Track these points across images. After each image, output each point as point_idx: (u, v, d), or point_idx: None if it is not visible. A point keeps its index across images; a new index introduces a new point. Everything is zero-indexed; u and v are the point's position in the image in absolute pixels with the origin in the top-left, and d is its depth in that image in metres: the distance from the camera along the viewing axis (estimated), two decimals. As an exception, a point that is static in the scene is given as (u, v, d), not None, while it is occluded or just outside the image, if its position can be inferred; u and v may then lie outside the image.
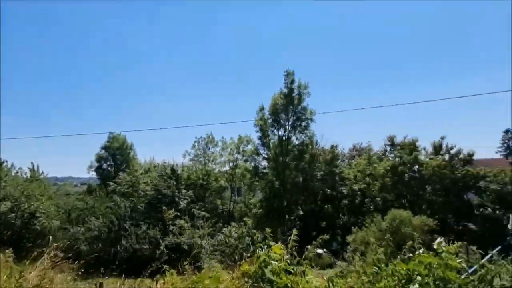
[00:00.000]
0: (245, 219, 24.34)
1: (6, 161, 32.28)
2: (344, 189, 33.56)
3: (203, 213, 25.27)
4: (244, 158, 35.23)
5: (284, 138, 33.01)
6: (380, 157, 37.17)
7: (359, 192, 33.44)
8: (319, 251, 32.71)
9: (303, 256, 3.59)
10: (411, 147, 33.78)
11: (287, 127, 32.92)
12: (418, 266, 2.84)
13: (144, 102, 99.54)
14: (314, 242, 3.77)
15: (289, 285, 3.38)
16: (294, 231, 3.84)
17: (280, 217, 31.37)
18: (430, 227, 22.98)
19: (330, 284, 3.17)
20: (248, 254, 3.76)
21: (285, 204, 32.32)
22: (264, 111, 33.30)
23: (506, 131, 76.85)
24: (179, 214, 23.59)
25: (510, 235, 30.34)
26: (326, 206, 33.14)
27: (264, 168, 35.19)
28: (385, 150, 37.79)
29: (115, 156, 46.10)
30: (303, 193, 33.99)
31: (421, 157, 33.54)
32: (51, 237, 24.62)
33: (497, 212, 30.78)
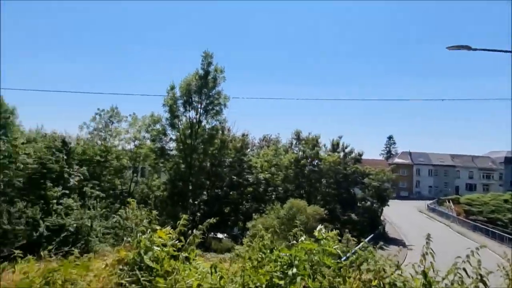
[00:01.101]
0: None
1: None
2: (250, 177, 34.70)
3: (97, 192, 23.02)
4: (152, 138, 33.19)
5: (195, 120, 32.17)
6: (286, 149, 39.58)
7: (263, 181, 35.04)
8: (220, 235, 33.42)
9: (187, 241, 3.35)
10: (314, 142, 36.91)
11: (199, 109, 32.12)
12: (299, 252, 2.91)
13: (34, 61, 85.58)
14: (200, 226, 3.53)
15: (171, 271, 3.12)
16: (184, 216, 3.56)
17: (184, 201, 30.75)
18: (321, 216, 25.52)
19: (213, 270, 3.02)
20: (129, 239, 3.35)
21: (190, 187, 31.78)
22: (175, 91, 31.78)
23: (389, 137, 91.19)
24: (67, 192, 20.94)
25: (381, 225, 36.36)
26: (231, 192, 33.78)
27: (171, 150, 33.85)
28: (291, 143, 40.36)
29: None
30: (209, 178, 33.92)
31: (321, 153, 37.02)
32: None
33: (375, 205, 36.43)
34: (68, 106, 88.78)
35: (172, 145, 33.95)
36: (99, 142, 31.49)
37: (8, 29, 75.22)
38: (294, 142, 39.98)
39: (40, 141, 25.89)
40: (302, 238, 3.01)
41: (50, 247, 4.21)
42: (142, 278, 2.82)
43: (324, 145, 38.38)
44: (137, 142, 33.68)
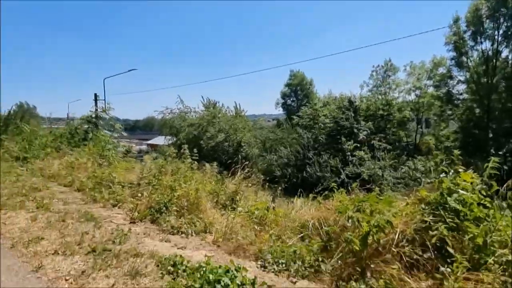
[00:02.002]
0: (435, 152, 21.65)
1: (218, 102, 40.81)
2: None
3: (384, 144, 24.22)
4: (435, 83, 30.06)
5: (490, 53, 25.56)
6: None
7: None
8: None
9: (505, 186, 2.94)
10: None
11: (495, 37, 25.11)
12: None
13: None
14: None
15: (484, 218, 2.88)
16: (494, 159, 3.12)
17: (481, 152, 25.98)
18: None
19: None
20: (428, 181, 3.42)
21: (490, 135, 26.20)
22: (460, 23, 26.36)
23: None
24: (358, 145, 23.60)
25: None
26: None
27: (460, 93, 29.08)
28: None
29: (297, 92, 49.62)
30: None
31: None
32: (252, 162, 30.60)
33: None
34: (347, 68, 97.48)
35: (461, 87, 29.20)
36: (380, 97, 32.61)
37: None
38: None
39: (332, 103, 30.48)
40: None
41: (355, 184, 5.05)
42: (448, 219, 2.82)
43: None
44: (418, 92, 31.83)
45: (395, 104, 31.09)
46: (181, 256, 3.25)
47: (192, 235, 3.97)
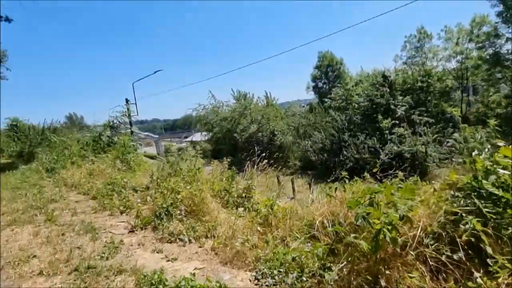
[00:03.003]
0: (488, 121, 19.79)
1: (248, 93, 40.70)
2: None
3: (426, 118, 22.64)
4: (478, 46, 27.34)
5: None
6: None
7: None
8: None
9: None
10: None
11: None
12: None
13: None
14: None
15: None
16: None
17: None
18: None
19: None
20: (459, 160, 2.94)
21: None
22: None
23: None
24: (396, 122, 22.30)
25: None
26: None
27: (510, 53, 26.15)
28: None
29: (327, 74, 47.91)
30: None
31: None
32: (288, 150, 30.27)
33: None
34: (378, 43, 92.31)
35: (508, 46, 26.30)
36: (417, 68, 30.42)
37: None
38: None
39: (365, 81, 28.99)
40: None
41: (375, 170, 4.52)
42: (484, 209, 2.32)
43: None
44: (459, 57, 29.21)
45: (435, 74, 28.79)
46: (161, 272, 3.00)
47: (190, 242, 3.69)
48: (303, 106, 59.04)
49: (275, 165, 28.66)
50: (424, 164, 18.81)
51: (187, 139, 77.01)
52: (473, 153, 2.70)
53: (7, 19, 20.49)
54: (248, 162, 7.26)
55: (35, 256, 3.50)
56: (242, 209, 4.44)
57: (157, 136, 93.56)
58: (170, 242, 3.68)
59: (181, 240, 3.67)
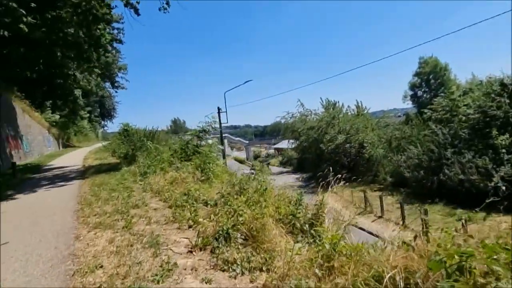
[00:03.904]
0: None
1: (338, 101, 39.38)
2: None
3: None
4: None
5: None
6: None
7: None
8: None
9: None
10: None
11: None
12: None
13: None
14: None
15: None
16: None
17: None
18: None
19: None
20: None
21: None
22: None
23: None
24: (518, 139, 18.52)
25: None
26: None
27: None
28: None
29: (429, 81, 42.81)
30: None
31: None
32: (378, 163, 28.07)
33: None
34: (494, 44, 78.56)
35: None
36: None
37: None
38: None
39: (476, 90, 24.97)
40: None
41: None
42: None
43: None
44: None
45: None
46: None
47: (243, 274, 3.37)
48: (399, 116, 54.00)
49: (363, 179, 26.98)
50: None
51: (275, 146, 78.65)
52: None
53: (120, 41, 24.06)
54: (331, 177, 6.77)
55: (102, 266, 3.70)
56: (302, 239, 4.11)
57: (247, 141, 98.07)
58: (223, 271, 3.48)
59: (234, 270, 3.43)
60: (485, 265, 2.08)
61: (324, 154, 31.53)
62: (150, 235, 4.61)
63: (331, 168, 8.65)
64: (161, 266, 3.57)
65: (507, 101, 20.46)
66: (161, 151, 11.75)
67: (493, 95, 21.34)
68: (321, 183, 6.65)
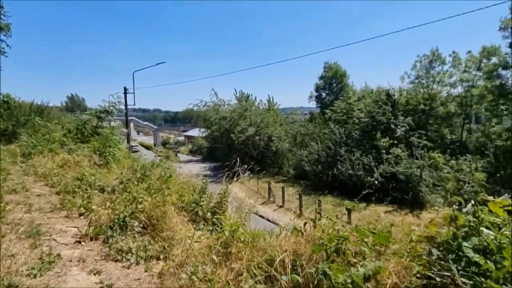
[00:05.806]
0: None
1: (251, 94, 40.45)
2: None
3: (425, 142, 22.41)
4: (486, 75, 27.10)
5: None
6: None
7: None
8: None
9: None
10: None
11: None
12: None
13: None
14: None
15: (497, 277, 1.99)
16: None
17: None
18: None
19: None
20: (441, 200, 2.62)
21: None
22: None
23: None
24: (395, 142, 22.06)
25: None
26: None
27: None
28: None
29: (331, 85, 47.65)
30: None
31: None
32: (283, 157, 29.96)
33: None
34: (387, 59, 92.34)
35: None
36: (422, 90, 30.18)
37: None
38: None
39: (368, 97, 28.75)
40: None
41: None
42: (460, 279, 1.95)
43: None
44: (464, 84, 28.98)
45: (439, 98, 28.56)
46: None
47: (138, 263, 3.18)
48: (305, 114, 58.71)
49: (269, 170, 28.32)
50: (417, 188, 18.51)
51: (186, 133, 76.71)
52: (453, 206, 2.39)
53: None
54: (239, 167, 6.86)
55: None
56: (203, 227, 4.07)
57: (156, 126, 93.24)
58: (116, 261, 3.21)
59: (128, 260, 3.20)
60: (356, 247, 2.46)
61: (235, 145, 32.07)
62: (29, 223, 3.92)
63: (239, 159, 8.75)
64: (40, 259, 3.11)
65: (390, 109, 24.11)
66: (51, 129, 10.19)
67: (380, 103, 24.86)
68: (228, 173, 6.67)
